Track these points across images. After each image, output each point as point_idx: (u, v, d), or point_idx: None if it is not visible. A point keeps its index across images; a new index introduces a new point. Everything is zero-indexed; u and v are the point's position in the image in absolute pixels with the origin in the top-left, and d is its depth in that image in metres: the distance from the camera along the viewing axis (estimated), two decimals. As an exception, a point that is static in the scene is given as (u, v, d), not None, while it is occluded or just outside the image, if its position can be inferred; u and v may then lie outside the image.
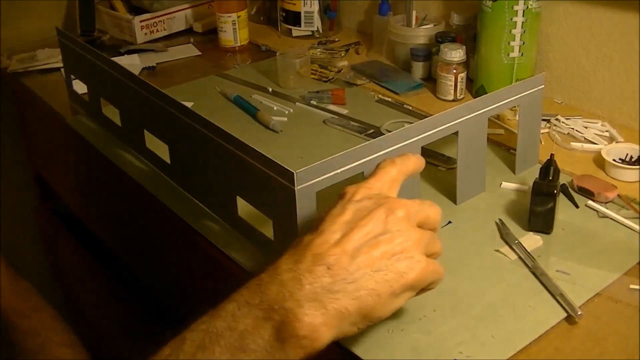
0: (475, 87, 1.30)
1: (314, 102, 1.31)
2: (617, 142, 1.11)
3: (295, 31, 1.65)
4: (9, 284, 0.91)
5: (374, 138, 0.86)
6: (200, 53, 1.60)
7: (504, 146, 1.13)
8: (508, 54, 1.22)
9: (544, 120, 1.15)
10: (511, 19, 1.19)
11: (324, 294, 0.57)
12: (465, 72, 1.28)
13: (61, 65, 1.41)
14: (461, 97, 1.30)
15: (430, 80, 1.36)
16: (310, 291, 0.58)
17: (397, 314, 0.78)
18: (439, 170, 1.08)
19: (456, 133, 0.93)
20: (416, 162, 0.70)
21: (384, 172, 0.66)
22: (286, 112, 1.28)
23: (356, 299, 0.58)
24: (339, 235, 0.60)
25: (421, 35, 1.40)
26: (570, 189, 1.00)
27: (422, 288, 0.64)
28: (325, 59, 1.50)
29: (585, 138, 1.14)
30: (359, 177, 0.84)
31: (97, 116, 1.26)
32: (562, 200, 0.97)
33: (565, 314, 0.78)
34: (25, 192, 1.77)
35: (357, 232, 0.59)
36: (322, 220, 0.62)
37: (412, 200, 0.63)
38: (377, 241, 0.59)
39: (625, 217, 0.93)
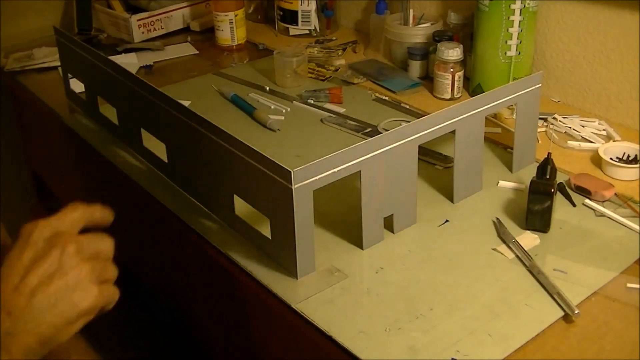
0: (472, 86, 1.30)
1: (311, 101, 1.31)
2: (614, 141, 1.11)
3: (293, 30, 1.65)
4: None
5: (371, 137, 0.86)
6: (197, 52, 1.60)
7: (501, 145, 1.13)
8: (505, 53, 1.22)
9: (541, 119, 1.15)
10: (508, 17, 1.19)
11: (6, 338, 0.62)
12: (463, 71, 1.28)
13: (58, 64, 1.40)
14: (458, 95, 1.30)
15: (428, 79, 1.36)
16: None
17: (394, 313, 0.79)
18: (436, 169, 1.08)
19: (453, 132, 0.93)
20: (102, 214, 0.73)
21: (66, 212, 0.70)
22: (283, 110, 1.28)
23: (36, 334, 0.64)
24: (17, 280, 0.64)
25: (418, 34, 1.40)
26: (567, 188, 1.00)
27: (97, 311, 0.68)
28: (322, 57, 1.50)
29: (582, 137, 1.15)
30: (356, 176, 0.84)
31: (94, 115, 1.26)
32: (559, 199, 0.98)
33: (562, 313, 0.78)
34: (23, 190, 1.76)
35: (33, 273, 0.64)
36: (5, 263, 0.66)
37: (84, 235, 0.68)
38: (51, 279, 0.64)
39: (623, 216, 0.93)
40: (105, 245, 0.69)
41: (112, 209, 0.73)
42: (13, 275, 0.64)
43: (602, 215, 0.95)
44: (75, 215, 0.70)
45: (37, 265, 0.65)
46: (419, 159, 0.90)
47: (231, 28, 1.58)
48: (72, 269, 0.65)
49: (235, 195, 0.90)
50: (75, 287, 0.65)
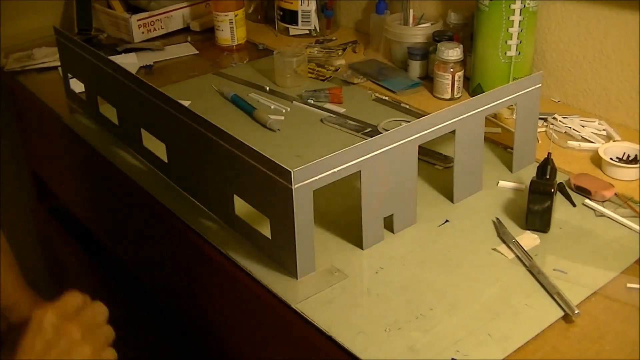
0: (472, 86, 1.30)
1: (311, 101, 1.31)
2: (614, 141, 1.11)
3: (293, 30, 1.65)
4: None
5: (371, 137, 0.86)
6: (197, 52, 1.60)
7: (501, 145, 1.13)
8: (505, 53, 1.22)
9: (541, 118, 1.15)
10: (508, 17, 1.19)
11: None
12: (463, 71, 1.28)
13: (58, 64, 1.40)
14: (458, 95, 1.30)
15: (428, 79, 1.36)
16: None
17: (394, 313, 0.79)
18: (436, 168, 1.08)
19: (453, 132, 0.93)
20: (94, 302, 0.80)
21: (69, 298, 0.76)
22: (283, 110, 1.28)
23: None
24: None
25: (418, 34, 1.40)
26: (567, 188, 1.00)
27: None
28: (322, 57, 1.50)
29: (582, 137, 1.14)
30: (356, 176, 0.84)
31: (94, 115, 1.26)
32: (559, 199, 0.98)
33: (562, 313, 0.78)
34: (23, 190, 1.76)
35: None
36: (17, 348, 0.72)
37: (84, 311, 0.76)
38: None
39: (623, 216, 0.93)
40: (101, 312, 0.78)
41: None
42: None
43: (602, 215, 0.95)
44: (76, 302, 0.76)
45: (48, 355, 0.71)
46: (419, 159, 0.90)
47: (231, 28, 1.58)
48: (78, 354, 0.73)
49: (235, 195, 0.90)
50: None
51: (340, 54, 1.52)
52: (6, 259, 0.95)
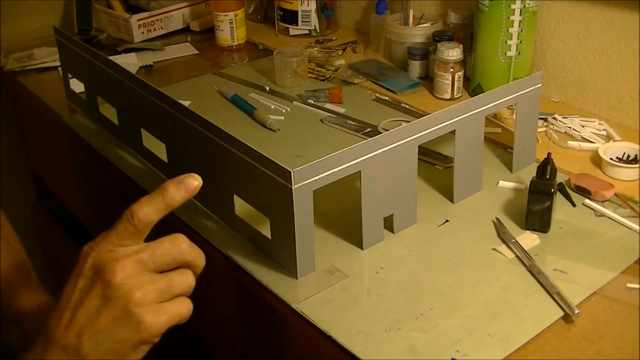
0: (472, 86, 1.30)
1: (311, 101, 1.31)
2: (614, 141, 1.11)
3: (293, 30, 1.65)
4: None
5: (371, 137, 0.86)
6: (197, 52, 1.60)
7: (501, 145, 1.13)
8: (505, 53, 1.22)
9: (541, 118, 1.15)
10: (508, 17, 1.19)
11: None
12: (463, 71, 1.28)
13: (58, 64, 1.41)
14: (458, 95, 1.30)
15: (428, 79, 1.36)
16: None
17: (394, 313, 0.79)
18: (436, 168, 1.08)
19: (453, 132, 0.93)
20: (184, 187, 0.70)
21: (130, 223, 0.67)
22: (283, 110, 1.28)
23: None
24: (70, 314, 0.62)
25: (418, 34, 1.40)
26: (567, 188, 1.00)
27: (164, 332, 0.63)
28: (322, 57, 1.50)
29: (582, 137, 1.14)
30: (356, 176, 0.84)
31: (94, 115, 1.26)
32: (559, 199, 0.98)
33: (562, 313, 0.78)
34: (23, 190, 1.77)
35: (80, 310, 0.61)
36: (63, 292, 0.64)
37: (142, 248, 0.64)
38: (97, 316, 0.61)
39: (623, 216, 0.93)
40: (175, 250, 0.65)
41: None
42: (67, 309, 0.62)
43: (602, 215, 0.95)
44: (150, 216, 0.66)
45: (84, 301, 0.61)
46: (419, 159, 0.90)
47: (231, 28, 1.58)
48: (118, 300, 0.60)
49: (235, 195, 0.90)
50: (123, 320, 0.60)
51: (340, 54, 1.52)
52: (22, 267, 0.95)
